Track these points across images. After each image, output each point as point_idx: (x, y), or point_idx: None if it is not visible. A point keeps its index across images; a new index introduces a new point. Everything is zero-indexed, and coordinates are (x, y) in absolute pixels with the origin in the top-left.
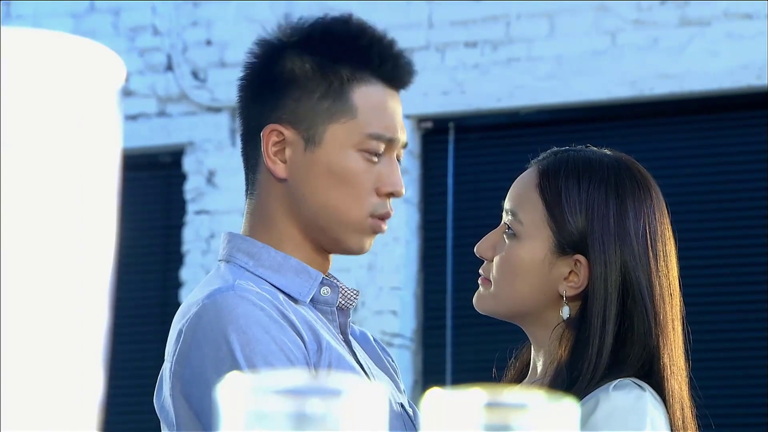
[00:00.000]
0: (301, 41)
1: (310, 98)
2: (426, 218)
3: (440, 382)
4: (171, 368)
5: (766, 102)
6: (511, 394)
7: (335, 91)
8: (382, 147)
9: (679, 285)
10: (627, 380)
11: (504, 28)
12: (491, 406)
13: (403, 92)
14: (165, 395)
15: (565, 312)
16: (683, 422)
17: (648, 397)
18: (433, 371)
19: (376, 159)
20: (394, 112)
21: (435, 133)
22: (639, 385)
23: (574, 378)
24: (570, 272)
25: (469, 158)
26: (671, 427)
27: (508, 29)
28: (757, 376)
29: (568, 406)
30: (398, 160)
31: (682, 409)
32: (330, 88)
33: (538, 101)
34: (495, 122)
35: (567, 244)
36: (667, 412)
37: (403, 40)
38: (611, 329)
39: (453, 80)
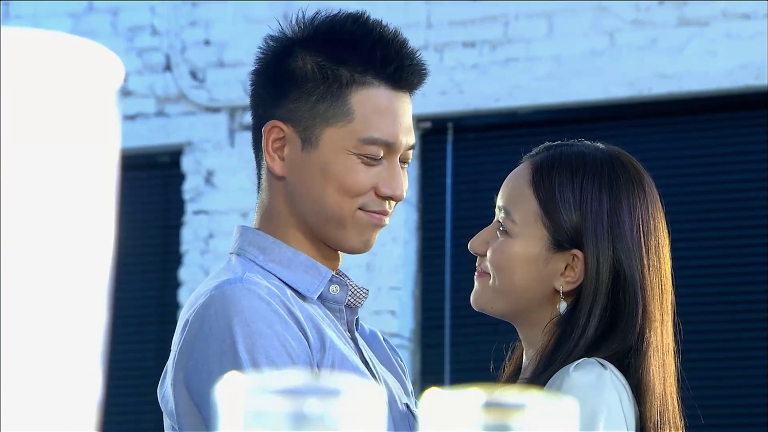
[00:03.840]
0: (308, 39)
1: (308, 100)
2: (424, 218)
3: (439, 382)
4: (175, 357)
5: (765, 102)
6: (509, 394)
7: (333, 93)
8: (380, 151)
9: (672, 279)
10: (590, 359)
11: (502, 29)
12: (490, 405)
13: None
14: (167, 384)
15: (563, 307)
16: (660, 416)
17: (608, 375)
18: (431, 371)
19: (374, 162)
20: (397, 115)
21: (433, 133)
22: (602, 364)
23: (547, 366)
24: (566, 267)
25: (468, 158)
26: (646, 420)
27: (506, 29)
28: (757, 376)
29: (568, 406)
30: (405, 163)
31: (664, 404)
32: (328, 91)
33: (537, 101)
34: (493, 122)
35: (563, 240)
36: (639, 403)
37: None
38: (595, 323)
39: (451, 80)
